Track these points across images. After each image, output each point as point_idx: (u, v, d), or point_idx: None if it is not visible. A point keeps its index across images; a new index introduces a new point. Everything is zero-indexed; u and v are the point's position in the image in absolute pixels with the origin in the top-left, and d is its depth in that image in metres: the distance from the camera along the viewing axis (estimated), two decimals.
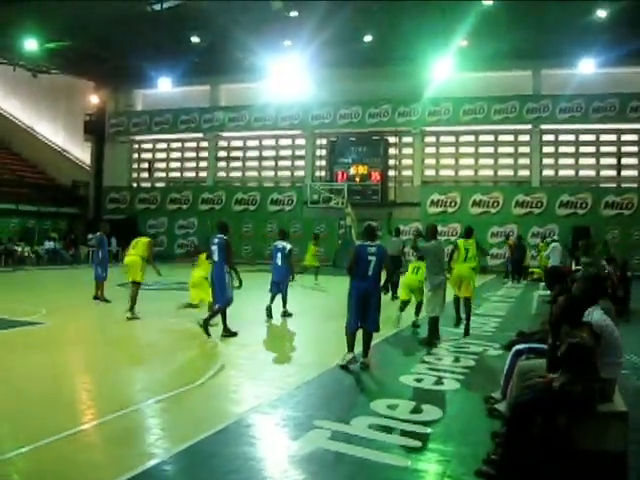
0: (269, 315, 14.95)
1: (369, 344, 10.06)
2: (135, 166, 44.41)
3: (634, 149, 34.84)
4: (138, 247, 15.43)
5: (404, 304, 14.05)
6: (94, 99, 43.02)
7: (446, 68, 33.88)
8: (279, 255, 15.38)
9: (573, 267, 20.56)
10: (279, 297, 15.23)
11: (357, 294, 9.93)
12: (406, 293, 14.08)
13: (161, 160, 43.94)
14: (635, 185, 34.47)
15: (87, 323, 14.66)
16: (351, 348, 9.94)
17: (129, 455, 5.94)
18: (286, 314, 15.30)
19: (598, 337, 5.80)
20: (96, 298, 17.35)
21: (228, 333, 12.42)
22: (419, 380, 8.99)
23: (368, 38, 31.96)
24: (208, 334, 12.16)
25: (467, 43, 31.36)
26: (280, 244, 15.69)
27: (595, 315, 6.01)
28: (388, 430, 6.69)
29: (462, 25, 28.36)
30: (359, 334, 10.02)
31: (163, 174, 43.79)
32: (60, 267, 31.72)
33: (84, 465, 5.72)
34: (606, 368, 5.80)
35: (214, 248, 12.74)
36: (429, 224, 12.93)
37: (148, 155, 44.24)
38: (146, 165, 43.75)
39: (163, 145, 43.62)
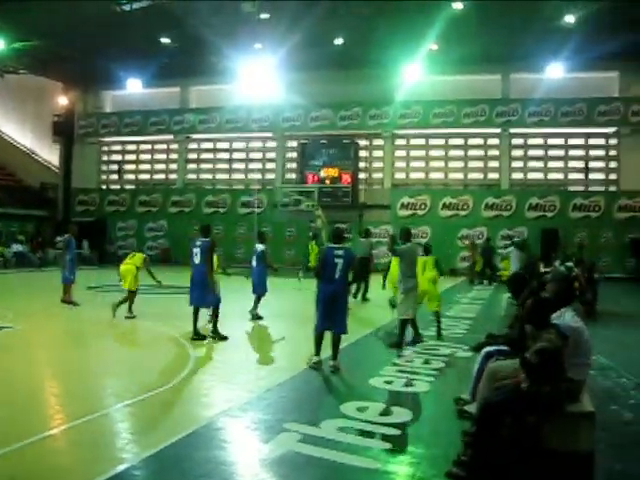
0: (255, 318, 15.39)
1: (338, 346, 10.09)
2: (104, 168, 43.99)
3: (601, 153, 35.25)
4: (135, 259, 15.89)
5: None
6: (63, 100, 42.57)
7: (416, 71, 34.11)
8: (254, 257, 15.84)
9: (542, 269, 20.74)
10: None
11: (324, 297, 9.98)
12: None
13: (130, 162, 43.59)
14: (602, 188, 34.88)
15: (55, 327, 14.48)
16: (318, 351, 10.03)
17: (98, 460, 5.89)
18: (254, 317, 15.37)
19: (566, 338, 5.85)
20: (64, 301, 17.14)
21: (197, 337, 12.43)
22: (389, 382, 9.02)
23: (339, 41, 31.96)
24: (224, 337, 12.44)
25: (437, 47, 31.48)
26: (257, 247, 16.01)
27: (567, 316, 6.07)
28: (358, 432, 6.70)
29: (432, 29, 28.44)
30: (328, 336, 10.07)
31: (132, 176, 43.45)
32: (28, 270, 31.34)
33: (53, 470, 5.67)
34: (575, 369, 5.86)
35: (196, 250, 12.79)
36: (403, 227, 12.89)
37: (117, 157, 43.85)
38: (115, 167, 43.39)
39: (132, 147, 43.32)
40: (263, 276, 15.73)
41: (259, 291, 15.64)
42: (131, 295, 15.37)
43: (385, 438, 6.56)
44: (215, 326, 12.61)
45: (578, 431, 5.65)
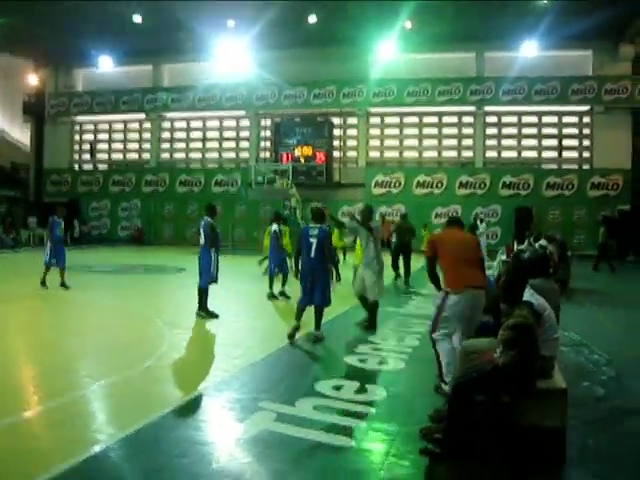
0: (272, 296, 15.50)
1: (319, 318, 10.57)
2: (76, 148, 43.59)
3: (575, 131, 35.47)
4: None
5: None
6: (33, 79, 41.97)
7: (391, 49, 34.05)
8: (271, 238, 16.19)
9: (516, 247, 20.87)
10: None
11: (304, 274, 10.58)
12: None
13: (103, 141, 43.19)
14: (575, 166, 35.13)
15: (29, 309, 14.35)
16: (298, 318, 10.51)
17: (74, 441, 5.85)
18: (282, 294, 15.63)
19: (539, 315, 5.89)
20: (62, 285, 16.70)
21: (206, 314, 12.60)
22: (363, 360, 9.04)
23: (313, 19, 31.80)
24: (215, 315, 12.63)
25: (411, 25, 31.43)
26: (272, 227, 16.35)
27: (526, 295, 6.10)
28: (333, 411, 6.72)
29: (406, 6, 28.41)
30: (311, 310, 10.53)
31: (105, 156, 43.11)
32: (0, 252, 31.02)
33: (28, 453, 5.62)
34: (545, 345, 5.90)
35: (201, 231, 12.89)
36: (366, 205, 12.82)
37: (90, 136, 43.40)
38: (88, 147, 43.01)
39: (105, 126, 42.89)
40: (278, 256, 15.84)
41: (274, 271, 15.67)
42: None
43: (360, 416, 6.59)
44: (200, 304, 12.68)
45: (550, 407, 5.70)
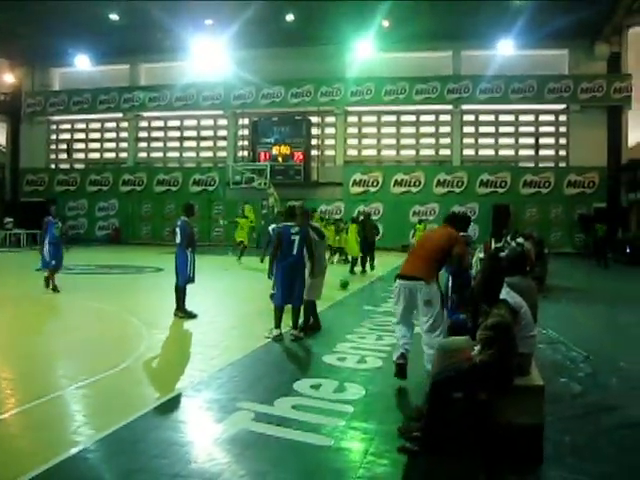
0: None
1: (297, 317, 10.64)
2: (53, 147, 43.44)
3: (551, 129, 35.78)
4: None
5: None
6: (8, 78, 41.76)
7: (368, 48, 34.18)
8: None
9: (493, 245, 20.97)
10: None
11: (284, 272, 10.50)
12: None
13: (80, 141, 43.09)
14: (552, 164, 35.46)
15: (4, 310, 14.25)
16: (278, 324, 10.46)
17: (51, 443, 5.81)
18: None
19: (516, 313, 5.92)
20: (53, 288, 16.13)
21: (184, 314, 12.58)
22: (342, 359, 9.04)
23: (290, 18, 31.79)
24: (193, 315, 12.61)
25: (388, 24, 31.52)
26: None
27: (502, 293, 6.12)
28: (311, 410, 6.71)
29: (383, 6, 28.47)
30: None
31: (82, 155, 42.99)
32: None
33: (5, 455, 5.57)
34: (522, 342, 5.93)
35: (176, 230, 12.86)
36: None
37: (66, 136, 43.28)
38: (64, 146, 42.81)
39: (82, 125, 42.76)
40: None
41: None
42: None
43: (338, 415, 6.58)
44: (178, 304, 12.68)
45: (527, 404, 5.73)
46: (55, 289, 15.99)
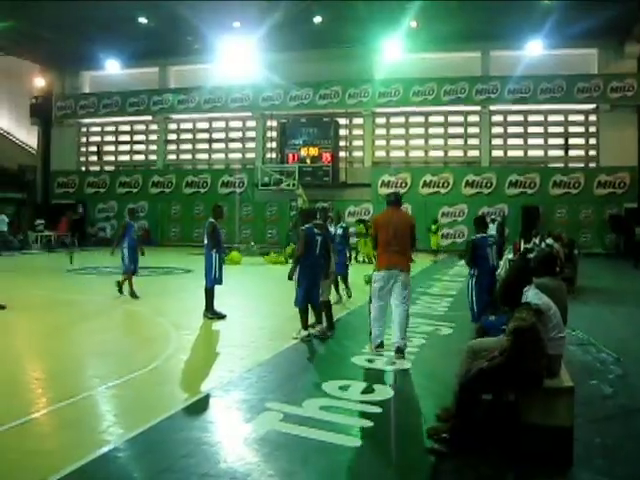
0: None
1: (321, 315, 10.91)
2: (83, 150, 43.73)
3: (581, 129, 35.43)
4: None
5: None
6: (40, 81, 42.24)
7: (396, 49, 34.06)
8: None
9: (522, 246, 20.88)
10: None
11: (308, 273, 10.55)
12: None
13: (110, 143, 43.36)
14: (582, 165, 35.12)
15: (37, 310, 14.38)
16: (306, 325, 10.57)
17: (81, 442, 5.87)
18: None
19: (540, 313, 5.86)
20: (132, 292, 15.52)
21: (213, 315, 12.65)
22: (371, 360, 9.03)
23: (318, 19, 31.81)
24: (222, 316, 12.70)
25: (417, 24, 31.43)
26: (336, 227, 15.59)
27: (530, 294, 6.08)
28: (339, 411, 6.72)
29: (412, 6, 28.39)
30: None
31: (112, 157, 43.24)
32: (8, 254, 31.01)
33: (36, 454, 5.64)
34: (550, 344, 5.89)
35: (204, 232, 13.03)
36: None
37: (96, 138, 43.62)
38: (94, 148, 43.18)
39: (111, 128, 43.00)
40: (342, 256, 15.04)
41: (340, 270, 15.07)
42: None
43: (367, 416, 6.58)
44: (207, 305, 12.74)
45: (557, 406, 5.70)
46: (133, 295, 15.41)
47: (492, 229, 26.13)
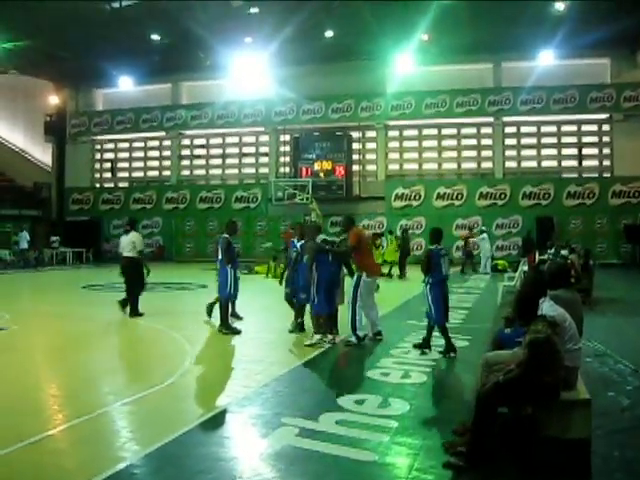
0: None
1: (335, 322, 11.52)
2: (97, 166, 43.97)
3: (594, 139, 35.35)
4: None
5: None
6: (54, 99, 42.50)
7: (408, 62, 34.15)
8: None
9: (537, 258, 20.79)
10: None
11: (326, 282, 11.18)
12: None
13: (124, 160, 43.57)
14: (596, 175, 35.00)
15: (52, 327, 14.42)
16: (330, 330, 11.32)
17: (98, 458, 5.88)
18: None
19: (555, 325, 5.83)
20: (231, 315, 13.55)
21: (228, 330, 12.66)
22: (386, 374, 9.01)
23: (329, 34, 31.92)
24: (237, 331, 12.75)
25: (428, 37, 31.51)
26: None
27: (545, 306, 6.06)
28: (355, 425, 6.68)
29: (423, 19, 28.44)
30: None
31: (126, 174, 43.44)
32: (24, 271, 31.23)
33: (52, 470, 5.65)
34: (567, 356, 5.86)
35: (218, 247, 13.11)
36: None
37: (110, 155, 43.85)
38: (109, 165, 43.38)
39: (125, 145, 43.23)
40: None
41: None
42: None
43: (383, 430, 6.56)
44: (222, 320, 12.80)
45: (574, 418, 5.67)
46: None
47: (485, 239, 29.32)
